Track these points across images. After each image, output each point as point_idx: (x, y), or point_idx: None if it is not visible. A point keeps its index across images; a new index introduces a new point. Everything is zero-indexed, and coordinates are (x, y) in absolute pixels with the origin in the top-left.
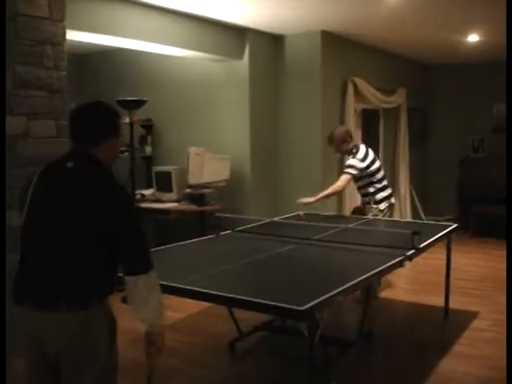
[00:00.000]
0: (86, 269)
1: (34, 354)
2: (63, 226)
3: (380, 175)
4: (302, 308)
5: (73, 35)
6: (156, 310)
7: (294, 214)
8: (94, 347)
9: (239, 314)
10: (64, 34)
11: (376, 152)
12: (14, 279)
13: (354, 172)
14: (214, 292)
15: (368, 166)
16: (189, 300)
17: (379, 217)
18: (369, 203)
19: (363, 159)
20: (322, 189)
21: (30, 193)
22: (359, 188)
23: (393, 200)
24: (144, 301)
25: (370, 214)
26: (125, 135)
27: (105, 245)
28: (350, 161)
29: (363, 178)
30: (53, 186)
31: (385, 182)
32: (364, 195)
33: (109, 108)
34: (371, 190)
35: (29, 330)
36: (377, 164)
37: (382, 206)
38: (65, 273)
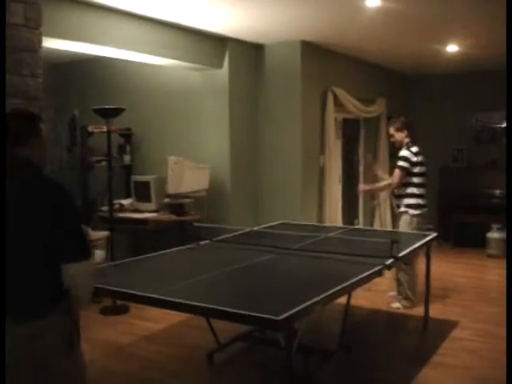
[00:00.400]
0: (39, 277)
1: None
2: (18, 235)
3: (422, 181)
4: (279, 318)
5: (50, 43)
6: (88, 295)
7: (277, 223)
8: (48, 358)
9: (219, 324)
10: (40, 42)
11: (357, 161)
12: None
13: (406, 165)
14: (192, 302)
15: (417, 164)
16: (167, 311)
17: (407, 222)
18: (398, 207)
19: (416, 154)
20: (303, 198)
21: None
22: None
23: (425, 210)
24: (83, 285)
25: (400, 221)
26: (102, 144)
27: (54, 247)
28: (403, 152)
29: (406, 176)
30: (9, 198)
31: (422, 191)
32: (398, 196)
33: (25, 113)
34: (408, 191)
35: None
36: (423, 168)
37: (413, 211)
38: (22, 283)
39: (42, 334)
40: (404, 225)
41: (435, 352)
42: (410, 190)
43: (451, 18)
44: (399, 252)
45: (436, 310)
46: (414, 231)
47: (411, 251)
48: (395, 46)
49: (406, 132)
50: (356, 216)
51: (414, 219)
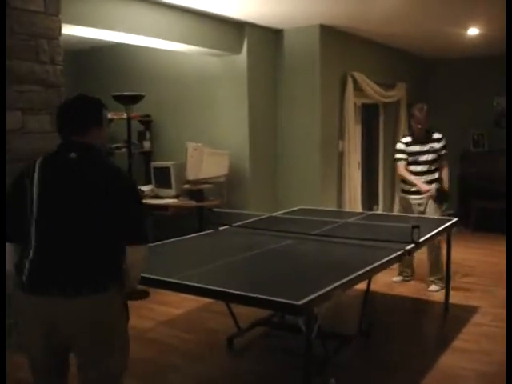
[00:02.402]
0: (101, 253)
1: (46, 342)
2: (78, 213)
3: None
4: (299, 302)
5: (69, 30)
6: (139, 277)
7: (296, 208)
8: (111, 328)
9: (238, 309)
10: (59, 29)
11: (376, 146)
12: (27, 269)
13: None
14: (212, 287)
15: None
16: (187, 296)
17: (436, 207)
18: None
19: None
20: (322, 184)
21: (37, 182)
22: (430, 171)
23: None
24: (137, 268)
25: (428, 207)
26: (122, 131)
27: (117, 226)
28: (444, 140)
29: (437, 161)
30: (60, 176)
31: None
32: (429, 182)
33: (92, 99)
34: (437, 176)
35: (42, 316)
36: None
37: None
38: (82, 258)
39: (105, 305)
40: (433, 210)
41: (455, 337)
42: (438, 175)
43: (472, 1)
44: (420, 237)
45: (456, 296)
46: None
47: (432, 236)
48: (415, 29)
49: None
50: (376, 201)
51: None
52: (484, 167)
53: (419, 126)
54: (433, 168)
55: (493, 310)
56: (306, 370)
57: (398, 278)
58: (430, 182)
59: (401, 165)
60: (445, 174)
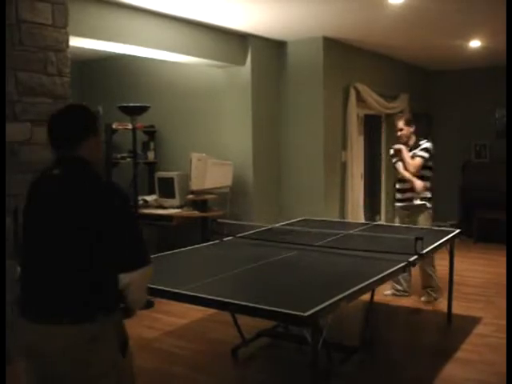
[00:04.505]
0: (89, 279)
1: (37, 369)
2: (62, 235)
3: (432, 175)
4: (305, 314)
5: (76, 42)
6: (143, 299)
7: (299, 219)
8: (102, 361)
9: (242, 319)
10: (67, 41)
11: (378, 157)
12: (19, 291)
13: (426, 155)
14: (217, 298)
15: (432, 158)
16: (191, 306)
17: (427, 217)
18: (410, 200)
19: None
20: (325, 195)
21: (25, 205)
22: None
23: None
24: (140, 291)
25: (420, 217)
26: (127, 141)
27: (106, 250)
28: (427, 144)
29: (424, 169)
30: (44, 196)
31: (430, 185)
32: (411, 190)
33: (84, 110)
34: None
35: (30, 343)
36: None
37: (429, 205)
38: (68, 284)
39: (102, 335)
40: (424, 220)
41: (459, 348)
42: (425, 183)
43: (474, 14)
44: (423, 249)
45: (459, 306)
46: (434, 226)
47: (435, 248)
48: (418, 41)
49: (413, 127)
50: (378, 212)
51: (431, 212)
52: (486, 178)
53: (398, 133)
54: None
55: (495, 321)
56: (312, 380)
57: (389, 292)
58: (413, 190)
59: (400, 166)
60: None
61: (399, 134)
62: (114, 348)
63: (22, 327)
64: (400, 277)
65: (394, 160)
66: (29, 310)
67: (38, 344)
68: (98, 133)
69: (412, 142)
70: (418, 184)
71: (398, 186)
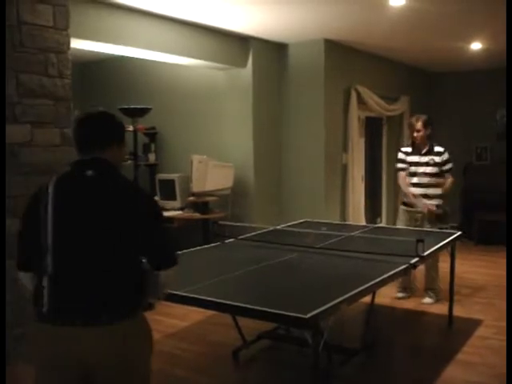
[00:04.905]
0: (127, 278)
1: (66, 374)
2: (100, 236)
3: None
4: (306, 316)
5: (77, 43)
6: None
7: (300, 221)
8: (138, 358)
9: (243, 322)
10: (68, 43)
11: (379, 159)
12: (47, 298)
13: (451, 165)
14: (218, 300)
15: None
16: (193, 308)
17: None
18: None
19: None
20: (326, 197)
21: (51, 205)
22: (430, 185)
23: None
24: (167, 289)
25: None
26: (128, 143)
27: (139, 250)
28: (447, 154)
29: (439, 176)
30: (78, 196)
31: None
32: (433, 197)
33: (113, 116)
34: (439, 192)
35: (67, 348)
36: None
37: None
38: (105, 284)
39: (129, 334)
40: (429, 226)
41: (460, 350)
42: (439, 191)
43: (475, 16)
44: (424, 251)
45: (460, 308)
46: (435, 229)
47: (436, 250)
48: (419, 43)
49: (430, 130)
50: (379, 214)
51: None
52: (487, 180)
53: (415, 134)
54: (433, 182)
55: (496, 323)
56: (313, 382)
57: (401, 295)
58: (428, 197)
59: (401, 175)
60: (446, 187)
61: (415, 135)
62: (148, 342)
63: (49, 333)
64: (438, 279)
65: (398, 166)
66: (66, 314)
67: (77, 347)
68: (122, 139)
69: (425, 145)
70: (420, 204)
71: (418, 180)
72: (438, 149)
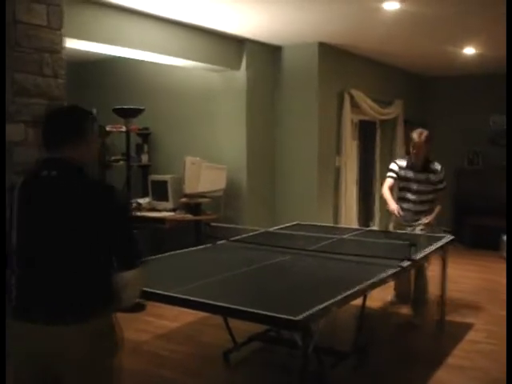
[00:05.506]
0: (91, 278)
1: (35, 370)
2: (62, 237)
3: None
4: (297, 318)
5: (71, 43)
6: (135, 298)
7: (293, 223)
8: (101, 358)
9: (234, 323)
10: (62, 42)
11: (373, 163)
12: (14, 295)
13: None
14: (210, 302)
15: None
16: (184, 310)
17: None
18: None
19: None
20: (318, 199)
21: (16, 208)
22: (421, 202)
23: None
24: (131, 291)
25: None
26: (120, 143)
27: (105, 251)
28: (443, 174)
29: (434, 192)
30: (42, 197)
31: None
32: (422, 212)
33: (83, 112)
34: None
35: (34, 346)
36: None
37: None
38: (71, 284)
39: (93, 335)
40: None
41: (450, 354)
42: (428, 207)
43: (469, 21)
44: (416, 255)
45: (451, 313)
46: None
47: (428, 254)
48: (413, 48)
49: (430, 145)
50: (371, 217)
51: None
52: (479, 185)
53: (415, 152)
54: (424, 199)
55: (487, 327)
56: None
57: (395, 299)
58: (418, 213)
59: (387, 181)
60: (433, 215)
61: (415, 151)
62: (112, 342)
63: (21, 330)
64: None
65: (387, 174)
66: (30, 312)
67: (42, 345)
68: (91, 135)
69: (423, 161)
70: (392, 207)
71: (410, 196)
72: (435, 166)
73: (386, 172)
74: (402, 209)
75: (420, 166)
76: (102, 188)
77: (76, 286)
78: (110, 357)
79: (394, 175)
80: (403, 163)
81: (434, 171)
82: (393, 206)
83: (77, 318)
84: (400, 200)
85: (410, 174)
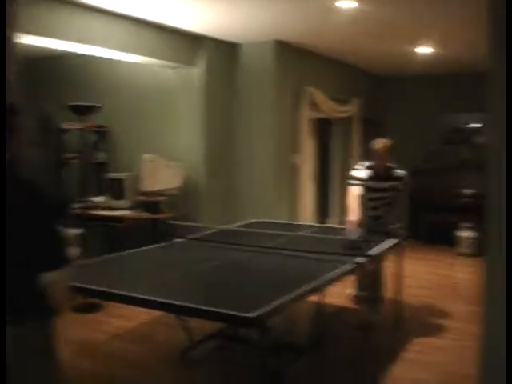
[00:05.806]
0: (17, 279)
1: None
2: None
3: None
4: (252, 315)
5: (26, 39)
6: (65, 301)
7: (250, 221)
8: (32, 363)
9: (194, 322)
10: (12, 37)
11: (329, 160)
12: None
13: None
14: (164, 300)
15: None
16: (140, 308)
17: None
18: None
19: None
20: (276, 197)
21: None
22: (377, 207)
23: None
24: (61, 292)
25: None
26: (75, 141)
27: (27, 251)
28: (407, 179)
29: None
30: None
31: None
32: (377, 217)
33: None
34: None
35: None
36: None
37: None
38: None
39: (28, 335)
40: None
41: (407, 349)
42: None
43: (424, 21)
44: (372, 250)
45: (408, 308)
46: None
47: (384, 250)
48: (369, 46)
49: (392, 155)
50: (328, 214)
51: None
52: (434, 183)
53: (377, 162)
54: (386, 202)
55: (443, 323)
56: (261, 382)
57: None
58: (380, 218)
59: (354, 190)
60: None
61: (378, 162)
62: (42, 350)
63: None
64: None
65: (352, 182)
66: None
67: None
68: (14, 130)
69: (385, 170)
70: (351, 222)
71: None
72: (398, 173)
73: (347, 176)
74: (368, 217)
75: (383, 174)
76: (31, 187)
77: (7, 288)
78: (35, 363)
79: (359, 183)
80: (367, 174)
81: (398, 178)
82: (356, 217)
83: (11, 318)
84: (364, 209)
85: (373, 182)
